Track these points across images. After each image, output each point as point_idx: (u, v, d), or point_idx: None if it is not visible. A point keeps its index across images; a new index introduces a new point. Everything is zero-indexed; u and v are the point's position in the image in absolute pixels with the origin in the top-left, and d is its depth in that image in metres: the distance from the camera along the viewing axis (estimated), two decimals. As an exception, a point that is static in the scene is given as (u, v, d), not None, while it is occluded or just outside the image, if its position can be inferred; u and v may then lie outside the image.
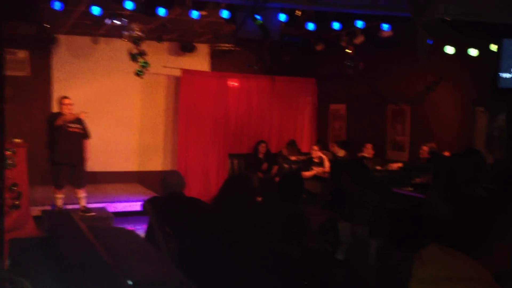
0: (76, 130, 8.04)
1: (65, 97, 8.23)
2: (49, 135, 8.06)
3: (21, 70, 10.19)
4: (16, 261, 1.88)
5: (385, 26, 7.72)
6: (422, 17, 3.65)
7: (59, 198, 8.13)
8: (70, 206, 8.44)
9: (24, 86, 10.16)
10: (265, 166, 10.56)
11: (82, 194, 8.21)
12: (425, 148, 8.23)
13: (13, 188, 7.39)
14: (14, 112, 8.73)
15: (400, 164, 8.81)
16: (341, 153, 9.92)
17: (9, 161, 7.16)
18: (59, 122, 7.86)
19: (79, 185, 8.15)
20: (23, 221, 7.69)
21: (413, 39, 3.67)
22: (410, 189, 7.52)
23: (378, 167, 8.87)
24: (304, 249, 4.39)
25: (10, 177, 7.03)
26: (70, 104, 8.10)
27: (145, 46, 9.13)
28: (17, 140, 7.68)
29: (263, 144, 10.82)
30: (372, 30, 8.16)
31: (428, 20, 3.64)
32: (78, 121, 8.14)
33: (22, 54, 10.19)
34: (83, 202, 8.23)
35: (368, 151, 9.48)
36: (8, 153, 6.95)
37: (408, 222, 6.53)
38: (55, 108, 10.03)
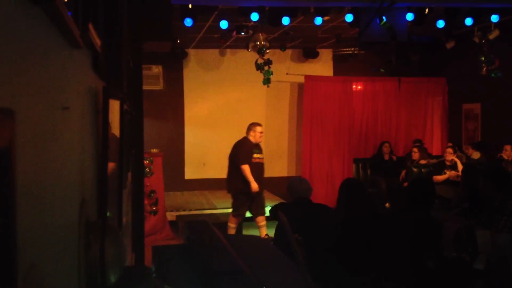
0: (259, 161, 7.78)
1: (258, 124, 7.72)
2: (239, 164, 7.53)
3: (156, 84, 10.82)
4: (159, 268, 1.99)
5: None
6: None
7: (232, 228, 7.72)
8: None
9: (158, 99, 10.80)
10: (394, 158, 10.25)
11: (262, 222, 7.74)
12: None
13: (152, 194, 7.90)
14: (150, 123, 9.37)
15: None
16: (476, 155, 9.34)
17: (147, 170, 7.70)
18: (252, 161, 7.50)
19: (261, 213, 7.73)
20: (160, 226, 8.17)
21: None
22: (558, 193, 6.87)
23: (519, 170, 8.22)
24: (440, 259, 4.18)
25: (148, 184, 7.53)
26: (262, 132, 7.69)
27: (269, 54, 9.31)
28: (154, 150, 8.18)
29: (386, 144, 10.52)
30: (508, 24, 7.63)
31: None
32: (261, 149, 7.85)
33: (156, 69, 10.81)
34: (264, 231, 7.73)
35: (507, 153, 8.81)
36: (146, 162, 7.46)
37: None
38: (187, 119, 10.57)
